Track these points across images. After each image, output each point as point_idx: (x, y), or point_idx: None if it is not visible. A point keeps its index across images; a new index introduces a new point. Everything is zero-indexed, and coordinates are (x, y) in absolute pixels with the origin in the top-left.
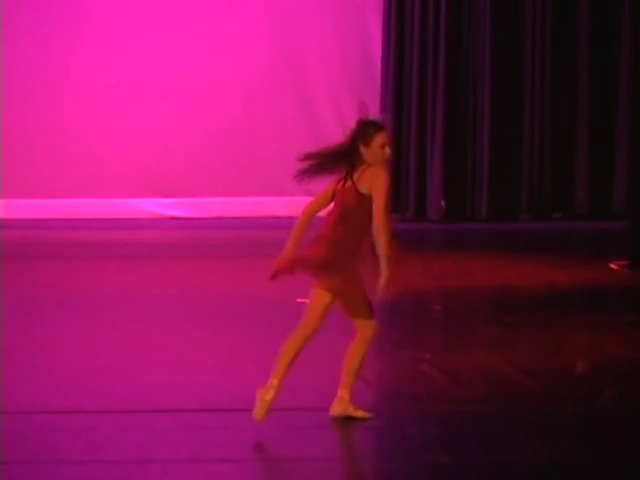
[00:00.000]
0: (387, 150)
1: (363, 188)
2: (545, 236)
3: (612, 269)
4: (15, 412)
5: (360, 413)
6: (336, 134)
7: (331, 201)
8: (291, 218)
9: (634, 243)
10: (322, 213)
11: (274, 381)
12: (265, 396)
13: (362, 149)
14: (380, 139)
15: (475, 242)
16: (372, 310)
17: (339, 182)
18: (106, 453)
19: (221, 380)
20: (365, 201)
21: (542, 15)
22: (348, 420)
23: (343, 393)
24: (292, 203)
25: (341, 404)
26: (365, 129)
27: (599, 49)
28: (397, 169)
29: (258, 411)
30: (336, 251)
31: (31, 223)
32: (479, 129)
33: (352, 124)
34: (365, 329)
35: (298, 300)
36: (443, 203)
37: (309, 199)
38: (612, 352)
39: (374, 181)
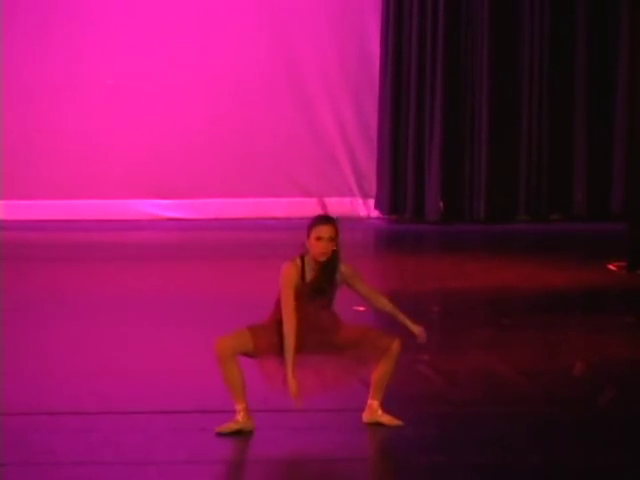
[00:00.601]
0: (321, 245)
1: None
2: (543, 237)
3: (610, 270)
4: (14, 413)
5: (386, 419)
6: (334, 135)
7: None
8: (289, 219)
9: (632, 244)
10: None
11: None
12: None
13: (305, 242)
14: (315, 232)
15: (473, 243)
16: (387, 333)
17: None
18: (105, 454)
19: (220, 382)
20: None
21: (540, 16)
22: (378, 426)
23: (372, 402)
24: (290, 204)
25: (370, 411)
26: (310, 223)
27: (597, 51)
28: (395, 170)
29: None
30: None
31: (30, 224)
32: (477, 130)
33: (349, 125)
34: (392, 350)
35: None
36: (441, 204)
37: (307, 200)
38: (611, 353)
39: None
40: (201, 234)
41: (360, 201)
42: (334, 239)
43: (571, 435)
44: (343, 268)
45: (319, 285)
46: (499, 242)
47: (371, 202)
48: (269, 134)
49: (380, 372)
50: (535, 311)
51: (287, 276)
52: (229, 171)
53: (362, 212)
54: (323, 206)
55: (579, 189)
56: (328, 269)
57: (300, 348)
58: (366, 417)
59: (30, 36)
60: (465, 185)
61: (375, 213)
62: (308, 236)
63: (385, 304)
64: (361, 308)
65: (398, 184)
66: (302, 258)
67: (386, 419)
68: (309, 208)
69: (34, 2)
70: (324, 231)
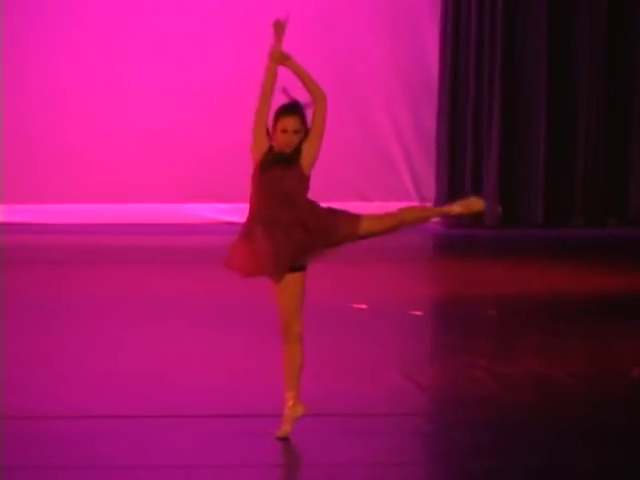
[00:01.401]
0: (286, 137)
1: None
2: (599, 242)
3: None
4: (61, 417)
5: (300, 409)
6: (391, 139)
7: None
8: None
9: None
10: None
11: (289, 394)
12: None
13: (271, 133)
14: (280, 124)
15: (529, 248)
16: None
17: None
18: (155, 458)
19: (269, 386)
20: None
21: (597, 15)
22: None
23: (288, 395)
24: (346, 207)
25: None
26: (275, 113)
27: None
28: (453, 174)
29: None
30: None
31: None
32: (534, 134)
33: (407, 129)
34: (294, 330)
35: (354, 305)
36: (499, 209)
37: (365, 204)
38: None
39: None
40: None
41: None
42: (299, 131)
43: (624, 439)
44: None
45: (288, 158)
46: (555, 247)
47: (429, 206)
48: (325, 138)
49: (290, 358)
50: (590, 316)
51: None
52: None
53: None
54: (288, 95)
55: (636, 194)
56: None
57: (266, 216)
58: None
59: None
60: (522, 189)
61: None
62: (274, 127)
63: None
64: (418, 312)
65: (456, 188)
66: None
67: (300, 409)
68: (366, 212)
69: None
70: (288, 123)
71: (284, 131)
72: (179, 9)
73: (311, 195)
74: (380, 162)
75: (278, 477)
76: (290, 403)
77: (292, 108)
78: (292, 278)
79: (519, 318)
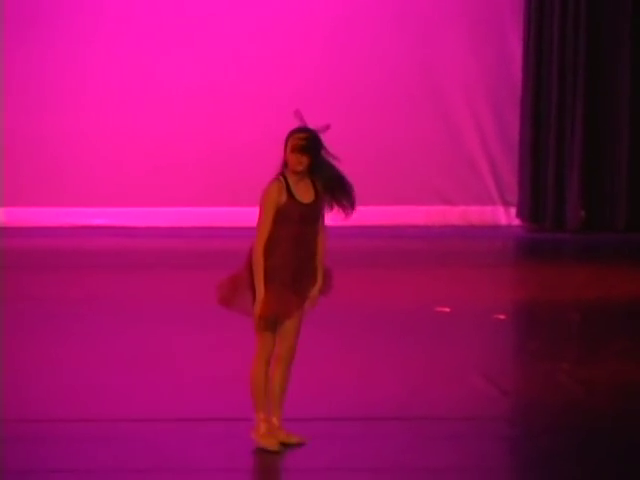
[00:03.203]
0: (296, 157)
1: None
2: None
3: None
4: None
5: (290, 438)
6: (474, 143)
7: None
8: (429, 227)
9: None
10: None
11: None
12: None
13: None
14: (290, 142)
15: (612, 253)
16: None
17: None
18: (242, 461)
19: (357, 389)
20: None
21: None
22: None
23: (272, 419)
24: (430, 212)
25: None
26: (287, 135)
27: None
28: (536, 179)
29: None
30: None
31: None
32: (618, 138)
33: (490, 133)
34: (283, 351)
35: (438, 309)
36: (582, 213)
37: (448, 209)
38: None
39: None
40: (341, 241)
41: (501, 209)
42: (309, 151)
43: None
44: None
45: (319, 200)
46: (638, 251)
47: (512, 210)
48: (409, 142)
49: (277, 380)
50: None
51: (269, 195)
52: (369, 179)
53: (503, 220)
54: (300, 118)
55: None
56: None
57: (288, 266)
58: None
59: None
60: (605, 194)
61: (516, 221)
62: (285, 148)
63: (321, 245)
64: (501, 316)
65: (539, 192)
66: (284, 176)
67: (289, 438)
68: (450, 216)
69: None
70: (296, 141)
71: (293, 150)
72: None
73: (395, 198)
74: (464, 166)
75: None
76: (278, 424)
77: (303, 129)
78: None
79: (603, 323)
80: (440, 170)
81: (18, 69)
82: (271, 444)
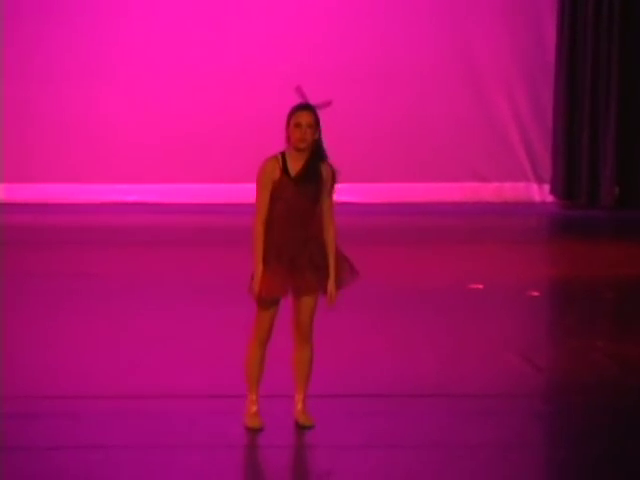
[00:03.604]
0: (300, 131)
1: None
2: None
3: None
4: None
5: (302, 418)
6: (508, 120)
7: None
8: (462, 204)
9: None
10: None
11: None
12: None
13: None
14: (294, 119)
15: None
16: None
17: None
18: (276, 438)
19: (392, 366)
20: None
21: None
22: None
23: (296, 396)
24: (464, 189)
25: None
26: (289, 112)
27: None
28: (570, 156)
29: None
30: None
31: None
32: None
33: (524, 110)
34: (302, 324)
35: (471, 286)
36: (616, 189)
37: (481, 185)
38: None
39: None
40: (374, 218)
41: (535, 186)
42: (312, 126)
43: None
44: (327, 165)
45: (306, 174)
46: None
47: (546, 187)
48: (443, 119)
49: (299, 357)
50: None
51: (263, 171)
52: (402, 155)
53: (537, 197)
54: (302, 95)
55: None
56: (315, 158)
57: (283, 245)
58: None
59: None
60: None
61: (550, 198)
62: (287, 125)
63: (329, 239)
64: (535, 293)
65: (573, 169)
66: (283, 153)
67: (302, 418)
68: (484, 193)
69: None
70: (302, 117)
71: (298, 125)
72: None
73: (429, 175)
74: (498, 143)
75: (402, 458)
76: (299, 407)
77: (305, 105)
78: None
79: (637, 300)
80: (474, 147)
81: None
82: (254, 424)
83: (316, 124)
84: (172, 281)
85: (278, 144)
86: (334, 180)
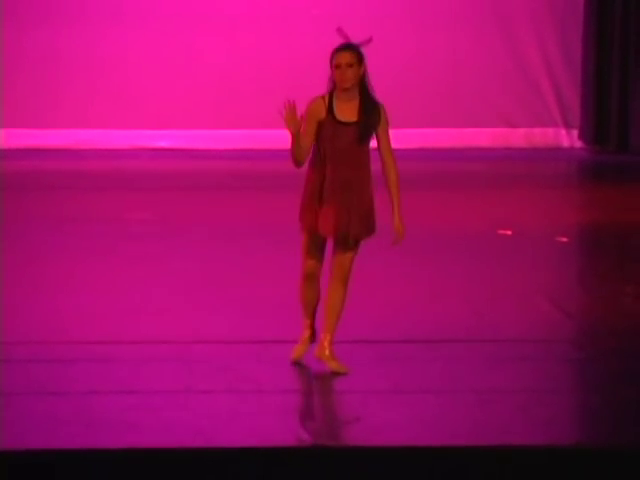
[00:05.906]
0: (340, 72)
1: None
2: None
3: None
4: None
5: (334, 365)
6: (538, 66)
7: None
8: (492, 149)
9: None
10: None
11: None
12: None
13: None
14: (335, 60)
15: None
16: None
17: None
18: (303, 384)
19: (422, 312)
20: None
21: None
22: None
23: (323, 337)
24: (494, 134)
25: (320, 348)
26: (330, 55)
27: None
28: (599, 100)
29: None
30: None
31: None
32: None
33: (553, 56)
34: (338, 263)
35: (500, 231)
36: None
37: (511, 131)
38: None
39: None
40: (403, 164)
41: (564, 131)
42: (353, 65)
43: None
44: (377, 105)
45: (365, 121)
46: None
47: (575, 132)
48: (472, 65)
49: (332, 297)
50: None
51: (307, 109)
52: (431, 101)
53: (566, 143)
54: (344, 35)
55: None
56: (366, 103)
57: (328, 185)
58: (316, 353)
59: None
60: None
61: (579, 144)
62: (330, 67)
63: (391, 180)
64: (564, 239)
65: (602, 114)
66: (331, 94)
67: (333, 365)
68: (513, 138)
69: None
70: (342, 58)
71: (338, 66)
72: None
73: (458, 120)
74: (527, 89)
75: (431, 403)
76: (327, 352)
77: (346, 45)
78: None
79: None
80: (503, 93)
81: None
82: (293, 354)
83: (358, 62)
84: (205, 226)
85: (311, 89)
86: (387, 118)
